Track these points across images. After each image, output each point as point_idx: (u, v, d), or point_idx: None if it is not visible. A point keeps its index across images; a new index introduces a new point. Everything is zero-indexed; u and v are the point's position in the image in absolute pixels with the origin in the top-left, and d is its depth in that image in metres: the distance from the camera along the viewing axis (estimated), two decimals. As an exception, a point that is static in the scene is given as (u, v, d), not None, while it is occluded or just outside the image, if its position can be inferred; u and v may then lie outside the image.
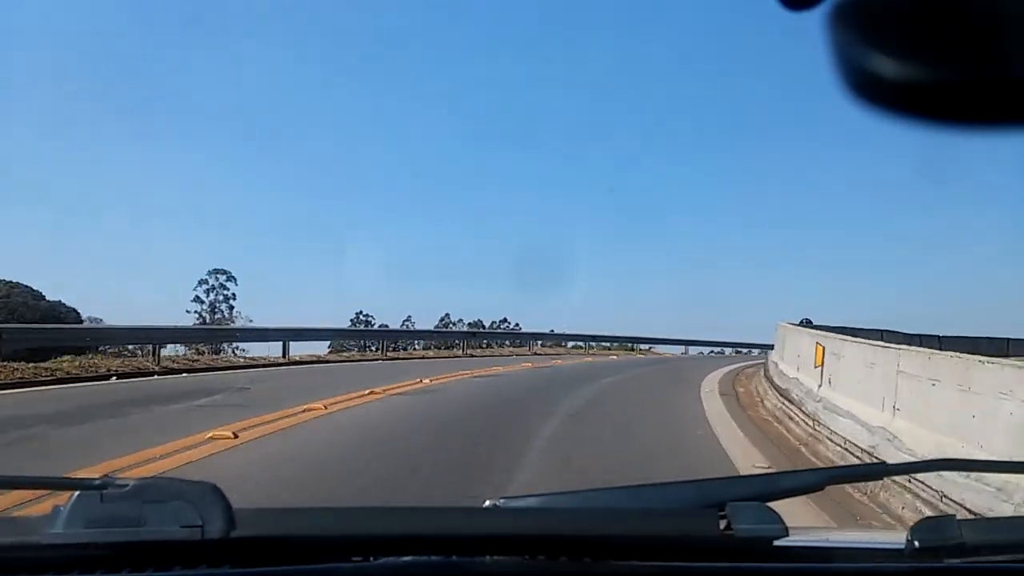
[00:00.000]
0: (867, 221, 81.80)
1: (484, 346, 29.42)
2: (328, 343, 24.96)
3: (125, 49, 63.23)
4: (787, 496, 1.05)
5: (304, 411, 8.06)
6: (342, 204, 76.46)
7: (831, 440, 6.85)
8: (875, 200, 77.17)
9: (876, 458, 5.49)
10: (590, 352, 30.66)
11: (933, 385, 5.19)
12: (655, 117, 78.55)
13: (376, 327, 52.65)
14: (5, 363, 12.09)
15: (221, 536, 0.85)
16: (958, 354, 5.42)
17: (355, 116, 76.34)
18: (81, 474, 4.41)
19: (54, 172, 64.15)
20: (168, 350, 16.37)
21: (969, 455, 4.30)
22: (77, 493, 0.89)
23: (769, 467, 6.00)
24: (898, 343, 7.79)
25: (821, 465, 6.04)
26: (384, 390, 10.35)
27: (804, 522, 3.62)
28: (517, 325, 61.01)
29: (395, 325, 55.10)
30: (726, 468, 5.86)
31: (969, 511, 3.98)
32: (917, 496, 4.55)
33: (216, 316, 45.00)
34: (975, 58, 0.56)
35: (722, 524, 0.91)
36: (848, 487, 4.73)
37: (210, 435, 6.33)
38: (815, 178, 78.23)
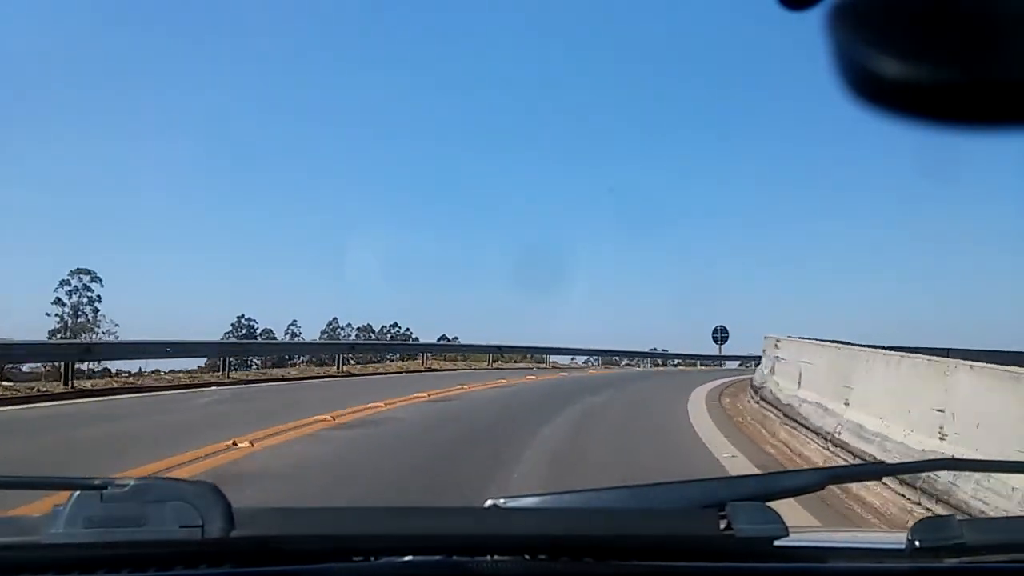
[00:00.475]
0: (866, 223, 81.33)
1: (376, 360, 24.54)
2: (205, 359, 20.37)
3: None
4: (787, 496, 1.05)
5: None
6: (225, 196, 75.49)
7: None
8: (876, 201, 77.67)
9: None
10: (553, 367, 27.35)
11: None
12: (655, 118, 79.72)
13: (259, 333, 51.27)
14: None
15: (221, 536, 0.85)
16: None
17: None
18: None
19: None
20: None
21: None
22: (77, 493, 0.88)
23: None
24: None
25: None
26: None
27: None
28: (408, 331, 59.44)
29: (280, 331, 53.56)
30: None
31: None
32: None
33: (79, 320, 42.61)
34: (975, 58, 0.55)
35: (722, 524, 0.91)
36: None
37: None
38: (815, 180, 78.87)
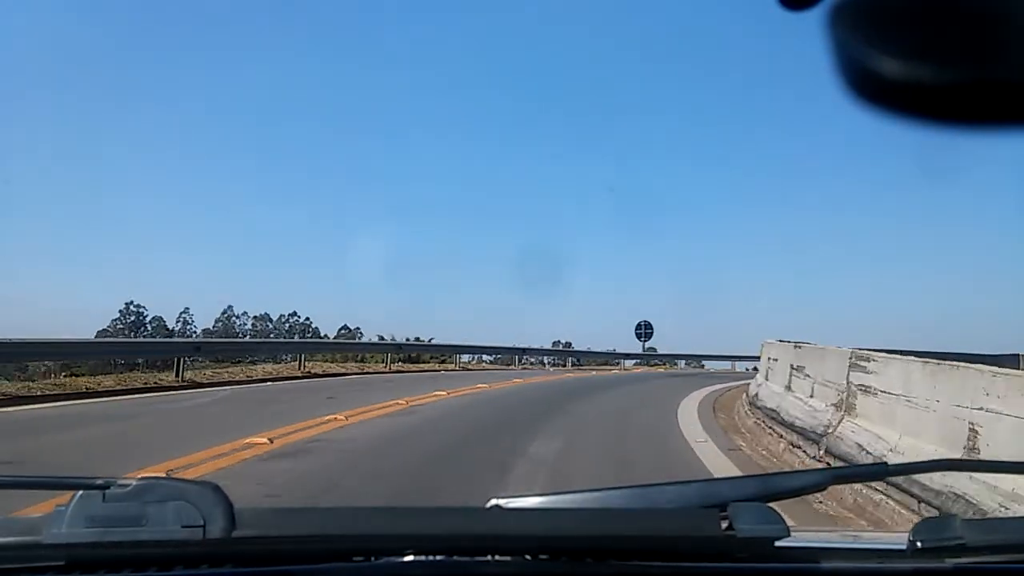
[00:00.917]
0: (867, 227, 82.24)
1: (236, 362, 19.04)
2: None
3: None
4: (789, 496, 1.05)
5: None
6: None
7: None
8: (878, 203, 77.79)
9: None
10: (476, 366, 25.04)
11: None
12: (654, 118, 78.53)
13: (149, 321, 48.11)
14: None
15: (223, 536, 0.84)
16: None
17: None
18: None
19: None
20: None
21: None
22: (79, 493, 0.88)
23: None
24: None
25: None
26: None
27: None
28: (308, 320, 55.66)
29: (172, 320, 51.09)
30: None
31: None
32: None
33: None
34: (975, 58, 0.55)
35: (724, 524, 0.90)
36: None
37: None
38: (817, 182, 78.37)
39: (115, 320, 50.63)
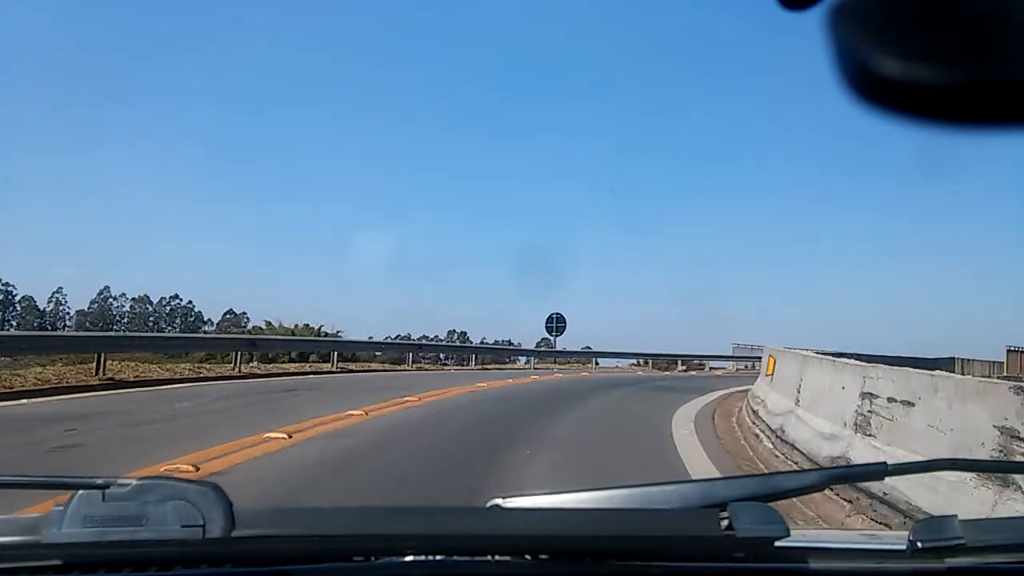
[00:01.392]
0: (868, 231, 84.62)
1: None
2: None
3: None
4: (788, 496, 1.05)
5: None
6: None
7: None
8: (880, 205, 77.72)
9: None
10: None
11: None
12: (653, 118, 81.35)
13: (19, 300, 44.70)
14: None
15: (222, 536, 0.84)
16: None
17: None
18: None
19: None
20: None
21: None
22: (78, 493, 0.88)
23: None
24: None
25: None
26: None
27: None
28: (191, 303, 52.53)
29: (43, 299, 47.86)
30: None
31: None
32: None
33: None
34: (976, 58, 0.55)
35: (723, 524, 0.90)
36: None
37: None
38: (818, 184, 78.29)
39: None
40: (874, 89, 0.56)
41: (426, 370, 21.70)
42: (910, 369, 5.32)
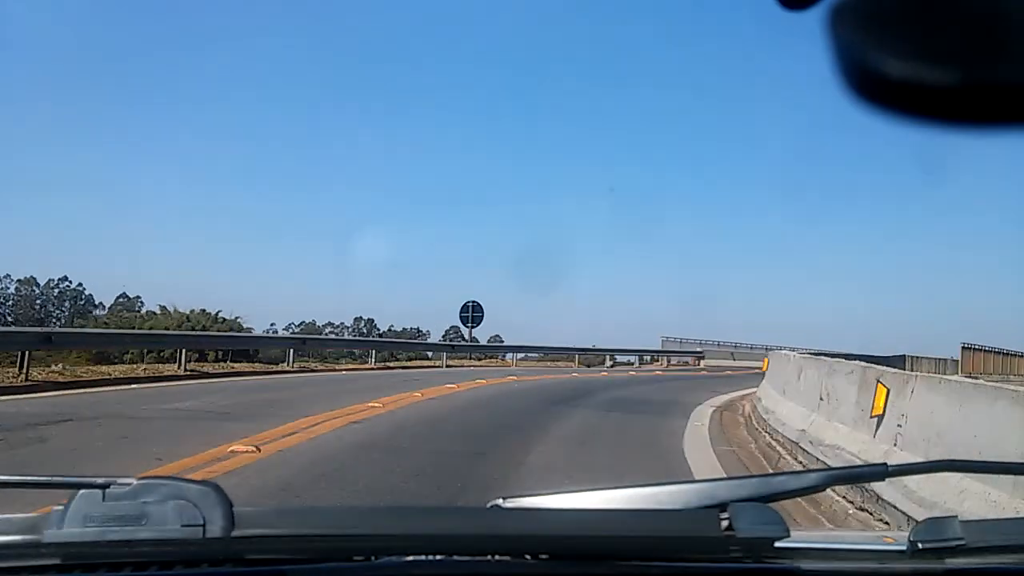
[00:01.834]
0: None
1: None
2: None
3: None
4: (789, 497, 1.03)
5: None
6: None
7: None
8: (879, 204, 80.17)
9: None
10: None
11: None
12: (655, 118, 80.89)
13: None
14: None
15: (223, 535, 0.84)
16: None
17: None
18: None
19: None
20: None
21: None
22: (79, 492, 0.88)
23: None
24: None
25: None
26: None
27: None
28: (81, 286, 48.77)
29: None
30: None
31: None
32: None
33: None
34: (976, 58, 0.55)
35: (723, 524, 0.90)
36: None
37: None
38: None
39: None
40: (874, 89, 0.57)
41: (312, 372, 17.09)
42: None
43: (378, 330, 58.74)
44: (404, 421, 8.56)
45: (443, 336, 31.69)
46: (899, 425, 4.87)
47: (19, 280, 53.35)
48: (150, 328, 24.22)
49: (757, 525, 0.89)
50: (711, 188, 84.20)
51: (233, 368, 16.32)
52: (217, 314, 26.91)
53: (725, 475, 4.86)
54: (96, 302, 52.46)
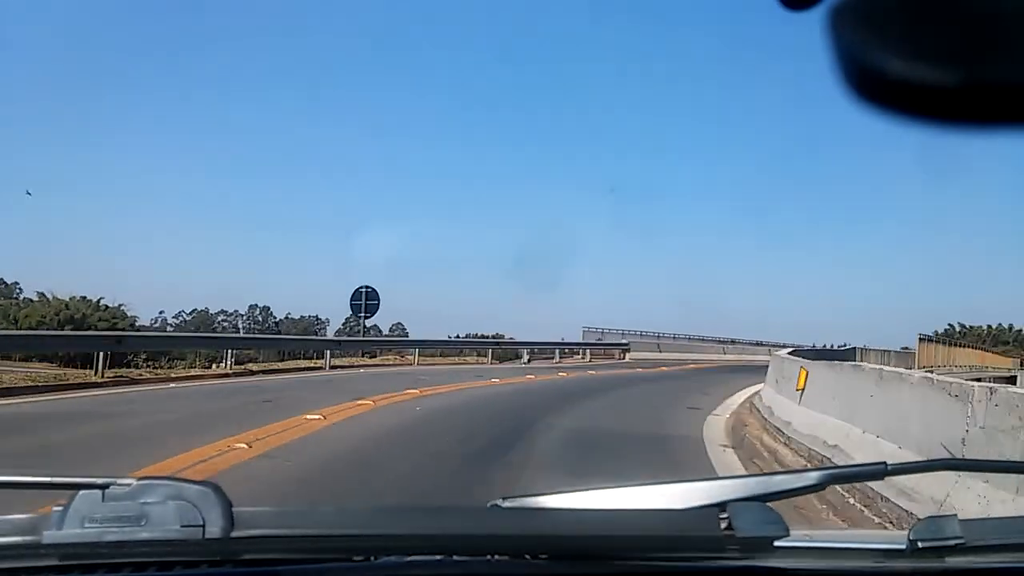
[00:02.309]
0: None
1: None
2: None
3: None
4: (788, 496, 1.03)
5: None
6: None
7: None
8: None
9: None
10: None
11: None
12: (654, 118, 79.07)
13: None
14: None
15: (222, 536, 0.84)
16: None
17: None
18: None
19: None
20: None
21: None
22: (78, 493, 0.88)
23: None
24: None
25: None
26: None
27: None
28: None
29: None
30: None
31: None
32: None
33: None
34: (976, 58, 0.55)
35: (723, 524, 0.90)
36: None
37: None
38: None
39: None
40: (874, 89, 0.57)
41: (123, 388, 12.08)
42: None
43: (274, 318, 54.56)
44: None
45: (342, 326, 27.39)
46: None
47: None
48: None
49: (756, 524, 0.90)
50: (668, 173, 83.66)
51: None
52: (99, 301, 24.98)
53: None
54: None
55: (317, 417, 8.32)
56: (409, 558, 0.90)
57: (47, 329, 21.02)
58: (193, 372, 15.30)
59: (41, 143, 74.91)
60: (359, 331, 25.24)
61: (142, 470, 5.39)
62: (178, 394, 11.27)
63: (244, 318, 54.05)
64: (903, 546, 0.96)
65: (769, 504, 0.94)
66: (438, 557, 0.90)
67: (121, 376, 12.85)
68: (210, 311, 47.56)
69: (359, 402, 9.82)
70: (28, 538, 0.86)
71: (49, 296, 25.96)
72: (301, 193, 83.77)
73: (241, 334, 33.76)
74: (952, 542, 0.94)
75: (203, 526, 0.83)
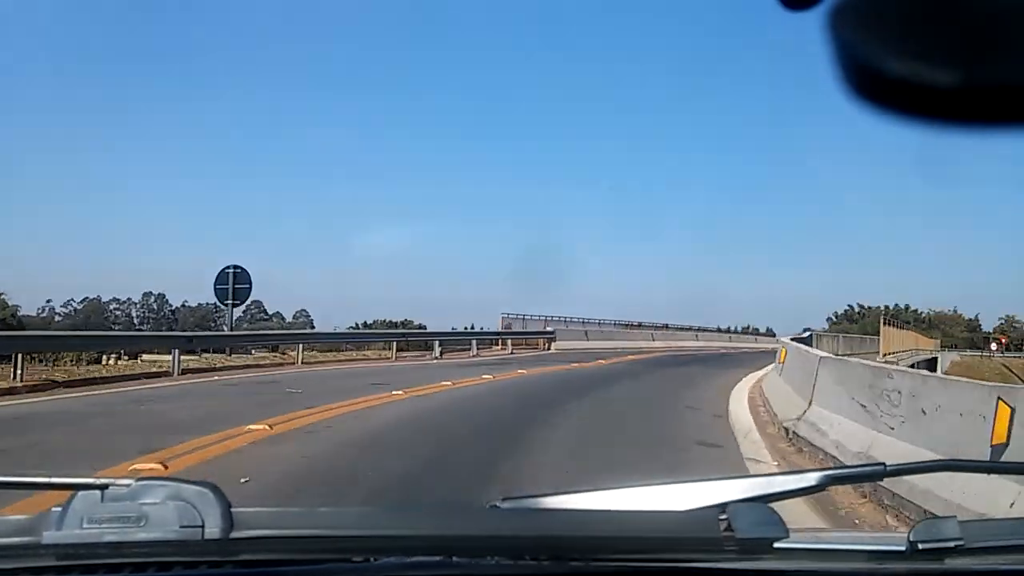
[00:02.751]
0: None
1: None
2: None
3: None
4: (788, 497, 1.04)
5: None
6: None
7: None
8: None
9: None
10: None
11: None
12: (654, 118, 70.10)
13: None
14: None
15: (221, 536, 0.84)
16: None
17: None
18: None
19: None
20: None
21: None
22: (77, 493, 0.88)
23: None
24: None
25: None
26: None
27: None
28: None
29: None
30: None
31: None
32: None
33: None
34: (976, 58, 0.55)
35: (723, 525, 0.90)
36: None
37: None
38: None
39: None
40: (874, 89, 0.56)
41: None
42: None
43: (170, 306, 50.59)
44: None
45: (243, 314, 22.94)
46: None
47: None
48: None
49: (756, 525, 0.90)
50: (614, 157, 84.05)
51: None
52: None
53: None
54: None
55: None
56: (409, 559, 0.90)
57: None
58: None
59: None
60: (232, 323, 20.60)
61: None
62: None
63: (138, 306, 50.40)
64: (903, 548, 0.96)
65: (769, 505, 0.94)
66: (438, 558, 0.90)
67: None
68: (102, 299, 42.92)
69: (207, 450, 5.66)
70: (27, 538, 0.87)
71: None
72: (202, 167, 77.44)
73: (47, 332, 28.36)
74: (952, 544, 0.94)
75: (202, 527, 0.84)
